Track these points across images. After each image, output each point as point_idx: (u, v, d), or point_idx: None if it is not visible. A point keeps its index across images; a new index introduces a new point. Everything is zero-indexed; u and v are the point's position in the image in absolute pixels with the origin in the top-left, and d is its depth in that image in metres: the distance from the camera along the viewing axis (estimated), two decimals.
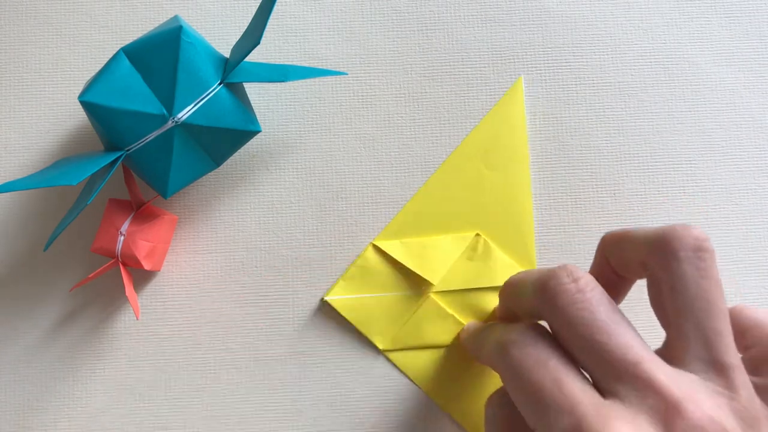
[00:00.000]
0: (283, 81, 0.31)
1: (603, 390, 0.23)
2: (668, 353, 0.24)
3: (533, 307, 0.26)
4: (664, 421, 0.22)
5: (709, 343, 0.23)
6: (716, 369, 0.23)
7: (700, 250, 0.24)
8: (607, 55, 0.36)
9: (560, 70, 0.36)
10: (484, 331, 0.30)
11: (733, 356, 0.23)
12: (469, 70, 0.36)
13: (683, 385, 0.23)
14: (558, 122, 0.35)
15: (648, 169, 0.35)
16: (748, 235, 0.35)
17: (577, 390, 0.23)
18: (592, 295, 0.24)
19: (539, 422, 0.23)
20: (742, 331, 0.27)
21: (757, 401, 0.23)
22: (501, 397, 0.27)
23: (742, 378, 0.23)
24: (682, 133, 0.36)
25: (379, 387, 0.34)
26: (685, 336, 0.24)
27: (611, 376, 0.23)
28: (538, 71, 0.36)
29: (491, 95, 0.36)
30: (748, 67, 0.36)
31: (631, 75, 0.36)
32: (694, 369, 0.23)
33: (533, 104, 0.36)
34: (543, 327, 0.26)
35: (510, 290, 0.29)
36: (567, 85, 0.36)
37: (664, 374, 0.23)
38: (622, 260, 0.27)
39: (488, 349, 0.27)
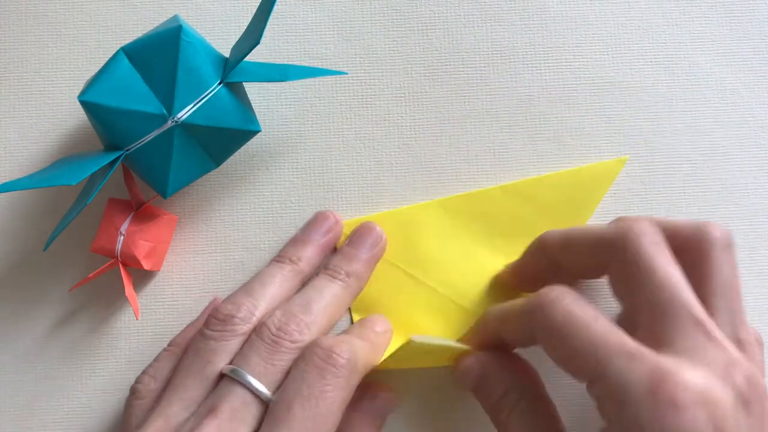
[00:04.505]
0: (283, 81, 0.31)
1: (656, 342, 0.26)
2: None
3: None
4: (725, 372, 0.25)
5: (735, 323, 0.27)
6: (737, 344, 0.27)
7: (732, 245, 0.29)
8: (607, 55, 0.36)
9: (560, 70, 0.36)
10: (507, 307, 0.30)
11: (747, 333, 0.28)
12: (469, 70, 0.36)
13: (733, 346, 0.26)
14: (558, 122, 0.35)
15: (648, 169, 0.35)
16: (748, 235, 0.35)
17: (635, 342, 0.26)
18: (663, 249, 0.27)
19: (602, 370, 0.25)
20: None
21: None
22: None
23: (753, 352, 0.27)
24: (682, 133, 0.36)
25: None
26: (716, 314, 0.27)
27: (674, 328, 0.26)
28: (538, 71, 0.36)
29: (491, 95, 0.36)
30: (748, 67, 0.36)
31: (631, 75, 0.36)
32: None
33: (532, 104, 0.36)
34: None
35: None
36: (567, 85, 0.36)
37: (720, 334, 0.26)
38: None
39: (522, 312, 0.28)
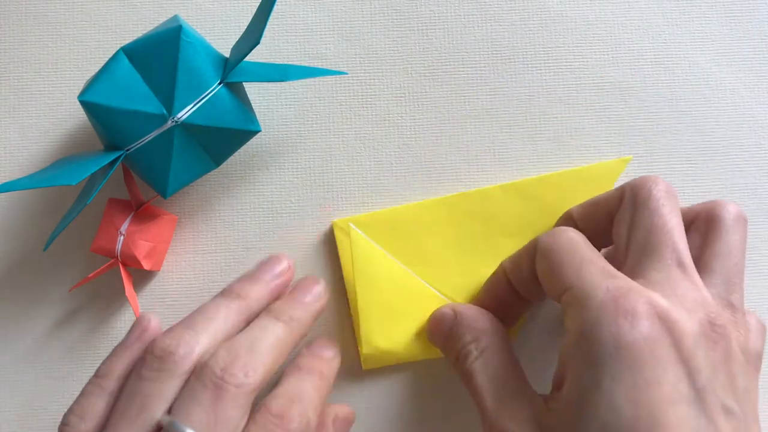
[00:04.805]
0: (283, 81, 0.31)
1: (633, 274, 0.27)
2: None
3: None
4: (693, 307, 0.26)
5: (729, 287, 0.28)
6: (728, 306, 0.28)
7: (745, 221, 0.30)
8: (607, 55, 0.36)
9: (560, 70, 0.36)
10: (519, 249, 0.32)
11: (740, 300, 0.28)
12: (469, 70, 0.36)
13: (712, 294, 0.27)
14: (558, 122, 0.35)
15: (648, 169, 0.35)
16: (748, 235, 0.35)
17: (614, 268, 0.27)
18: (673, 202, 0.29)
19: (577, 279, 0.27)
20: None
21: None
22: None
23: (743, 319, 0.28)
24: (682, 133, 0.36)
25: (378, 390, 0.34)
26: (712, 274, 0.28)
27: (654, 264, 0.27)
28: (539, 71, 0.36)
29: (491, 95, 0.36)
30: (748, 67, 0.36)
31: (631, 75, 0.36)
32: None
33: (532, 104, 0.36)
34: None
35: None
36: (567, 85, 0.36)
37: (699, 281, 0.27)
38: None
39: (533, 242, 0.30)
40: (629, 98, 0.36)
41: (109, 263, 0.33)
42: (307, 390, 0.29)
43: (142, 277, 0.35)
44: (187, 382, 0.27)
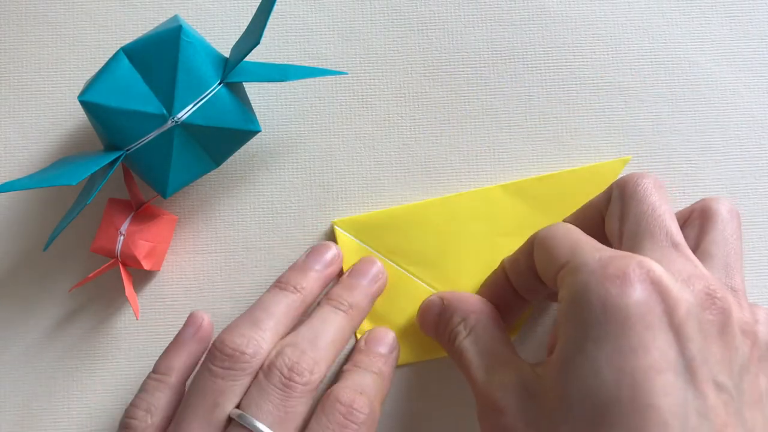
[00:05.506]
0: (283, 81, 0.31)
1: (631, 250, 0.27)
2: None
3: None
4: (689, 279, 0.25)
5: (729, 271, 0.28)
6: (729, 289, 0.27)
7: (739, 217, 0.30)
8: (607, 55, 0.36)
9: (560, 70, 0.36)
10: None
11: (742, 285, 0.28)
12: (469, 70, 0.36)
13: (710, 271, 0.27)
14: (558, 122, 0.35)
15: (648, 169, 0.35)
16: (748, 235, 0.35)
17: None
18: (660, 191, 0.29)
19: (572, 257, 0.26)
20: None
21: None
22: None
23: (747, 302, 0.28)
24: (682, 133, 0.36)
25: None
26: (710, 260, 0.28)
27: (647, 244, 0.27)
28: (539, 71, 0.36)
29: (491, 95, 0.36)
30: (748, 66, 0.36)
31: (631, 75, 0.36)
32: None
33: (532, 104, 0.36)
34: None
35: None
36: (567, 85, 0.36)
37: (696, 260, 0.27)
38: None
39: (529, 241, 0.30)
40: (629, 98, 0.36)
41: (109, 263, 0.33)
42: (369, 384, 0.30)
43: (142, 277, 0.35)
44: (255, 378, 0.28)
